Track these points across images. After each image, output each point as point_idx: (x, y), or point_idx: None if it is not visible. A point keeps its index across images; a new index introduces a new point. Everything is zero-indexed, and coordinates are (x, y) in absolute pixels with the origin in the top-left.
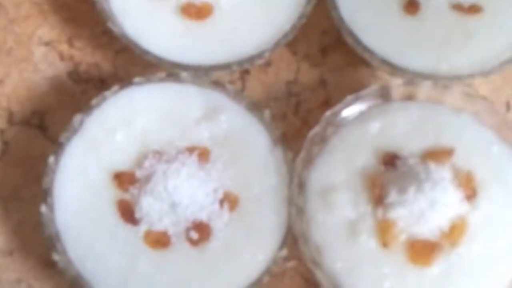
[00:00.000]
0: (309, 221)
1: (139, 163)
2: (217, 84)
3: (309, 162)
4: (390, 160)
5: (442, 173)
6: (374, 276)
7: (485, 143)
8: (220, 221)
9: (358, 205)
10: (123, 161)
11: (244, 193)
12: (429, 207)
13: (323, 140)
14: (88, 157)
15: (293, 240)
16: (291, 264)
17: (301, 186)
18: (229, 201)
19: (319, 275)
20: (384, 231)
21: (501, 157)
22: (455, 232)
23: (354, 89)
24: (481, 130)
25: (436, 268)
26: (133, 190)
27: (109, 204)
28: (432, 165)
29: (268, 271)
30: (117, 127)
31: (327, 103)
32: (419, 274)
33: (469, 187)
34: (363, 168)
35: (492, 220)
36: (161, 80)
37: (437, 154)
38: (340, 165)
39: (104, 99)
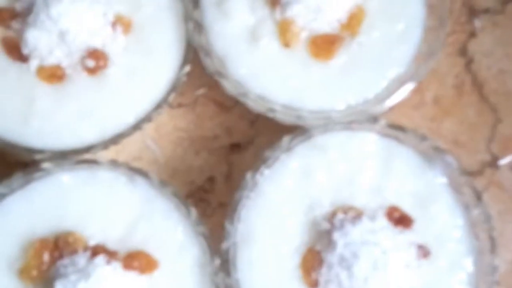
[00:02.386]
0: (208, 33)
1: None
2: None
3: None
4: None
5: None
6: (280, 77)
7: None
8: (115, 45)
9: (255, 9)
10: None
11: (137, 14)
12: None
13: None
14: None
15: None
16: (201, 91)
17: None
18: (122, 24)
19: (225, 85)
20: (284, 31)
21: None
22: (353, 21)
23: None
24: None
25: (339, 59)
26: (16, 25)
27: None
28: None
29: (173, 89)
30: None
31: None
32: (323, 67)
33: None
34: None
35: (387, 5)
36: None
37: None
38: None
39: None
